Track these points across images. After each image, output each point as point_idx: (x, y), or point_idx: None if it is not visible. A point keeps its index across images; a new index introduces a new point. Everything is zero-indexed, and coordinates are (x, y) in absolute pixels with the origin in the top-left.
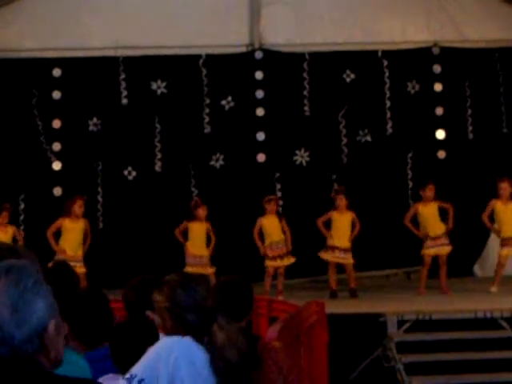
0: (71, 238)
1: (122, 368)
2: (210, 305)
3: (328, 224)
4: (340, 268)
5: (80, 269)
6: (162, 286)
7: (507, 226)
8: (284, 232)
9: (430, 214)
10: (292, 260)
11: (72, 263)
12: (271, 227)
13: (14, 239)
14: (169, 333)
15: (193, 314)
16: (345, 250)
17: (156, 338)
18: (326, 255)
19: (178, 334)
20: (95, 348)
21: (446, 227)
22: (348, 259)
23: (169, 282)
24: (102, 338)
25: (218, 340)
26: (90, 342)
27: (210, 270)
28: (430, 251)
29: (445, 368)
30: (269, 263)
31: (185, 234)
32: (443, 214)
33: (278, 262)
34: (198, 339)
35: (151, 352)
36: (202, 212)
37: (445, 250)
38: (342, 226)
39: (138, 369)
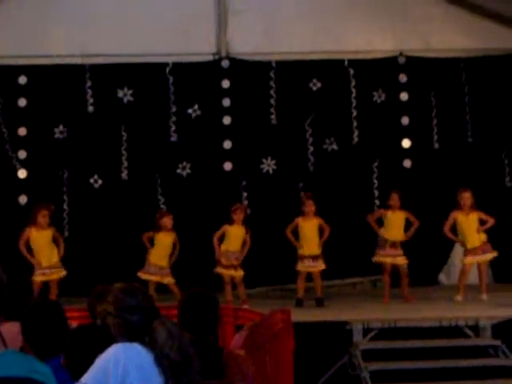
0: (40, 246)
1: (77, 374)
2: (151, 307)
3: (295, 231)
4: (308, 276)
5: (59, 273)
6: (105, 295)
7: (471, 236)
8: (244, 244)
9: (396, 221)
10: (241, 273)
11: (50, 270)
12: (234, 236)
13: None
14: (116, 338)
15: (136, 315)
16: (314, 258)
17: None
18: (297, 266)
19: (122, 336)
20: (50, 358)
21: (405, 237)
22: (318, 266)
23: (112, 290)
24: (57, 348)
25: (159, 336)
26: (44, 353)
27: (169, 280)
28: (387, 259)
29: (410, 376)
30: (221, 270)
31: (151, 241)
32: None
33: (232, 272)
34: (142, 340)
35: (100, 360)
36: (167, 222)
37: (402, 260)
38: (309, 232)
39: (87, 377)
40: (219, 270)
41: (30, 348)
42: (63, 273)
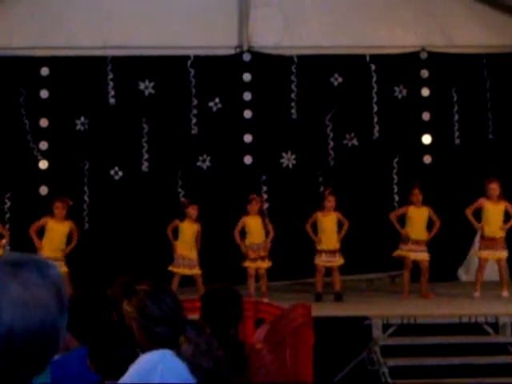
0: (52, 237)
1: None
2: (178, 317)
3: (314, 226)
4: (327, 270)
5: (60, 268)
6: (132, 296)
7: (493, 226)
8: (267, 232)
9: (419, 218)
10: (269, 264)
11: (56, 263)
12: (253, 227)
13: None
14: (140, 343)
15: (161, 327)
16: (332, 252)
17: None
18: (316, 260)
19: (145, 344)
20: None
21: (428, 236)
22: (335, 261)
23: (138, 292)
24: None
25: (186, 352)
26: (85, 338)
27: (197, 272)
28: (410, 254)
29: (429, 372)
30: (249, 264)
31: (176, 232)
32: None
33: (259, 264)
34: (169, 348)
35: (135, 369)
36: (191, 211)
37: (424, 256)
38: (328, 227)
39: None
40: (247, 263)
41: (73, 335)
42: (65, 269)
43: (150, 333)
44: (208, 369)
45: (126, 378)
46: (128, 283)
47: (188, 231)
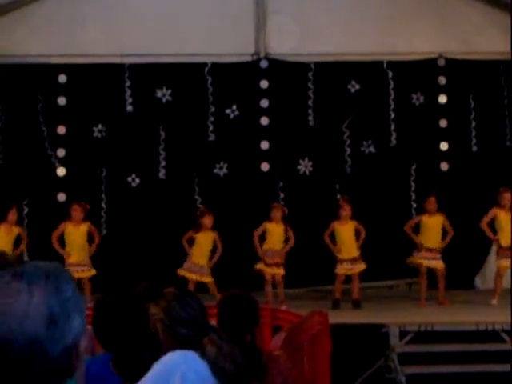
0: (73, 241)
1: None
2: (203, 320)
3: (331, 235)
4: (346, 278)
5: (87, 272)
6: (158, 298)
7: (506, 235)
8: (287, 240)
9: (433, 226)
10: (282, 271)
11: (79, 267)
12: (274, 233)
13: (18, 240)
14: (163, 345)
15: (185, 328)
16: (352, 261)
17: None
18: (336, 269)
19: (169, 346)
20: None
21: (441, 244)
22: (355, 269)
23: (165, 294)
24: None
25: (210, 354)
26: (109, 344)
27: (208, 280)
28: (423, 261)
29: (446, 380)
30: (263, 267)
31: (190, 241)
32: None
33: (274, 270)
34: (192, 350)
35: (157, 369)
36: (207, 221)
37: (438, 264)
38: (346, 236)
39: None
40: (261, 266)
41: (98, 340)
42: (93, 272)
43: (174, 334)
44: (230, 371)
45: (147, 377)
46: (150, 287)
47: (204, 241)
